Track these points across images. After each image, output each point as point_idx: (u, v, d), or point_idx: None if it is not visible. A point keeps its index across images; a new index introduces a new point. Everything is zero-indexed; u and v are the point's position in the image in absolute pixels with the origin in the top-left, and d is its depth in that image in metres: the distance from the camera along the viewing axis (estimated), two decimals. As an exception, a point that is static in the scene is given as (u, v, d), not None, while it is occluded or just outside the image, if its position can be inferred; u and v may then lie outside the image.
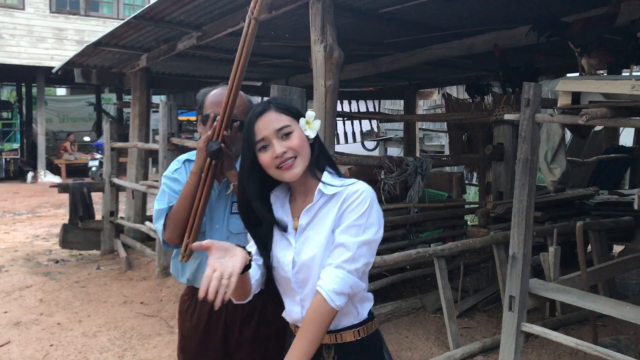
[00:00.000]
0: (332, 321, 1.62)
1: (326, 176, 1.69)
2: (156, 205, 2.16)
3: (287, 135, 1.65)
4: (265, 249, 1.73)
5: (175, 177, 2.19)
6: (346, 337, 1.68)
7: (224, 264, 1.47)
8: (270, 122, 1.65)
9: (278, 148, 1.63)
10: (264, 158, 1.65)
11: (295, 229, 1.70)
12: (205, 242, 1.50)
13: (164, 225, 2.11)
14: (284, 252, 1.70)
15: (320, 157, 1.72)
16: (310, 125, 1.69)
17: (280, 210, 1.74)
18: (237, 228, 2.14)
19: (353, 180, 1.67)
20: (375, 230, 1.61)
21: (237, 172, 2.03)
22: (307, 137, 1.68)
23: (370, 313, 1.72)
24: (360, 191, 1.62)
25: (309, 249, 1.65)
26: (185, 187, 2.08)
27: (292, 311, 1.73)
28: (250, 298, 1.76)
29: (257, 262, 1.74)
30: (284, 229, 1.71)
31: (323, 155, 1.73)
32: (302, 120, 1.68)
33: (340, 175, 1.73)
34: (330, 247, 1.62)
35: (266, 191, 1.75)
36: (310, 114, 1.70)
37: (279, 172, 1.65)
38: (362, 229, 1.59)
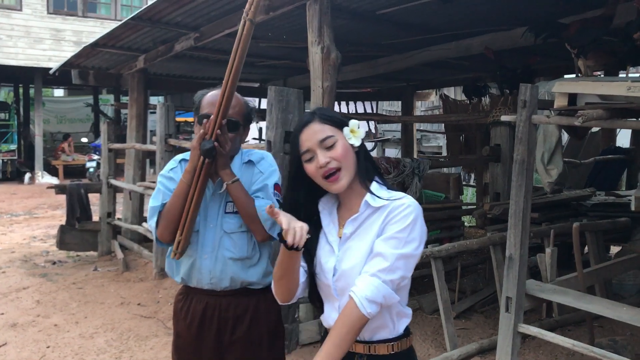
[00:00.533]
0: (367, 332, 1.65)
1: (374, 187, 1.69)
2: (151, 203, 2.18)
3: (331, 146, 1.65)
4: (310, 254, 1.75)
5: (170, 175, 2.21)
6: (380, 349, 1.67)
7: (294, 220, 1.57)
8: (314, 133, 1.66)
9: (321, 159, 1.64)
10: (310, 169, 1.67)
11: (340, 237, 1.71)
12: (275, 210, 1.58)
13: (157, 222, 2.13)
14: (326, 258, 1.71)
15: (367, 166, 1.72)
16: (355, 133, 1.69)
17: (328, 217, 1.76)
18: (231, 227, 2.15)
19: (401, 194, 1.67)
20: (415, 246, 1.61)
21: (231, 172, 2.05)
22: (351, 145, 1.68)
23: (406, 329, 1.71)
24: (406, 205, 1.62)
25: (350, 259, 1.66)
26: (178, 185, 2.10)
27: (330, 317, 1.73)
28: (294, 300, 1.78)
29: (304, 267, 1.76)
30: (328, 236, 1.73)
31: (370, 164, 1.73)
32: (346, 129, 1.68)
33: (388, 186, 1.73)
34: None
35: (315, 198, 1.77)
36: (354, 122, 1.69)
37: (325, 183, 1.67)
38: (403, 242, 1.59)
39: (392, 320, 1.68)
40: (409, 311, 1.73)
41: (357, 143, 1.68)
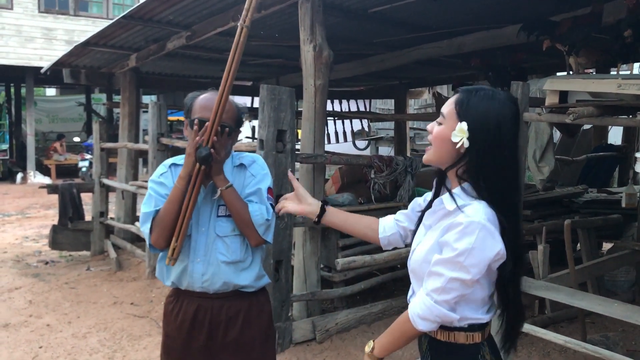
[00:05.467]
0: None
1: (458, 190, 1.61)
2: (143, 208, 2.16)
3: (439, 124, 1.63)
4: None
5: (161, 181, 2.20)
6: (437, 334, 1.66)
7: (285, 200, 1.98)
8: (447, 102, 1.64)
9: (430, 126, 1.66)
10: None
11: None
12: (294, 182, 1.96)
13: (151, 228, 2.12)
14: (418, 237, 1.73)
15: (467, 169, 1.59)
16: (460, 135, 1.57)
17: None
18: (224, 231, 2.15)
19: (476, 208, 1.53)
20: (474, 272, 1.52)
21: (225, 178, 2.06)
22: (454, 141, 1.58)
23: (471, 325, 1.63)
24: (467, 224, 1.51)
25: (420, 250, 1.65)
26: (173, 191, 2.09)
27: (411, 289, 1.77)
28: (381, 243, 1.94)
29: (400, 223, 1.91)
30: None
31: (472, 168, 1.58)
32: (459, 125, 1.57)
33: (478, 197, 1.58)
34: (429, 258, 1.59)
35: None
36: (464, 125, 1.56)
37: None
38: (459, 267, 1.52)
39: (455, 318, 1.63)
40: (481, 316, 1.64)
41: (455, 140, 1.57)
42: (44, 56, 14.58)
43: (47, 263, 7.06)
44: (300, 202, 1.98)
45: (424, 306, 1.57)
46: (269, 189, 2.21)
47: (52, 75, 9.39)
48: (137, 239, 7.26)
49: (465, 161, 1.58)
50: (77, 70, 8.50)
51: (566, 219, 4.37)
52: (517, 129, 1.63)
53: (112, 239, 7.52)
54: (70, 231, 7.37)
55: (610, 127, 7.82)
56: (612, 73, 5.11)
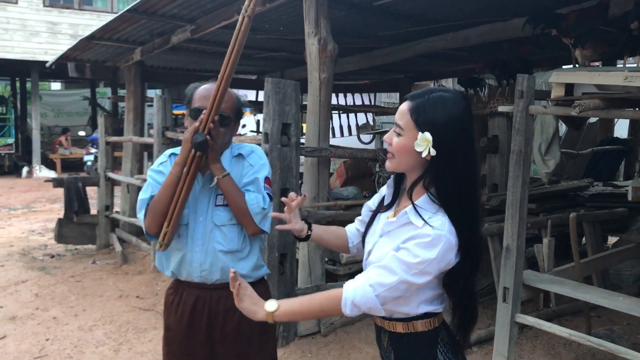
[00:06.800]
0: (387, 311, 1.65)
1: (423, 200, 1.61)
2: (140, 195, 2.20)
3: (398, 135, 1.62)
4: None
5: (160, 169, 2.23)
6: (397, 327, 1.69)
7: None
8: (399, 112, 1.63)
9: (387, 137, 1.65)
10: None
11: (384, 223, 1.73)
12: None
13: (145, 214, 2.14)
14: (369, 238, 1.75)
15: (436, 176, 1.59)
16: (424, 143, 1.56)
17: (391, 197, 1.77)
18: (221, 220, 2.16)
19: (441, 220, 1.55)
20: (425, 280, 1.56)
21: (222, 166, 2.07)
22: (418, 150, 1.57)
23: (427, 313, 1.67)
24: (435, 237, 1.53)
25: (377, 253, 1.67)
26: (167, 177, 2.11)
27: None
28: (350, 252, 2.00)
29: (362, 222, 1.92)
30: (381, 217, 1.76)
31: (440, 174, 1.58)
32: (421, 135, 1.56)
33: (442, 203, 1.59)
34: None
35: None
36: (428, 136, 1.55)
37: None
38: (415, 271, 1.53)
39: (409, 309, 1.67)
40: (436, 307, 1.67)
41: (419, 149, 1.56)
42: (48, 50, 14.60)
43: (53, 256, 7.10)
44: (290, 220, 1.98)
45: (364, 295, 1.56)
46: (267, 178, 2.22)
47: (57, 70, 9.40)
48: (142, 233, 7.22)
49: (432, 168, 1.59)
50: (82, 64, 8.51)
51: (571, 212, 4.35)
52: (472, 122, 1.64)
53: (117, 232, 7.55)
54: (75, 225, 7.40)
55: (616, 120, 7.78)
56: (618, 66, 5.09)
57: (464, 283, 1.65)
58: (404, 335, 1.68)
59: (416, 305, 1.64)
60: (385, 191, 1.82)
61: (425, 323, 1.67)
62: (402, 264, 1.54)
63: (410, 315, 1.66)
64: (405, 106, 1.61)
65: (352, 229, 1.99)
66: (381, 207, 1.78)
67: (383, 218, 1.74)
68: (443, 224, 1.55)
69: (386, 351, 1.75)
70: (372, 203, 1.89)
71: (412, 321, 1.67)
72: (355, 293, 1.57)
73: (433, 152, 1.55)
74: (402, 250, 1.56)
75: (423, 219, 1.57)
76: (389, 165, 1.67)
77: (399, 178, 1.74)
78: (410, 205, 1.61)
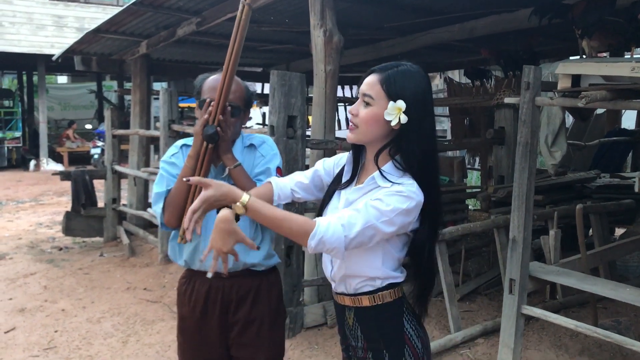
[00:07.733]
0: (352, 288, 1.74)
1: (389, 166, 1.68)
2: (155, 188, 2.20)
3: (366, 105, 1.68)
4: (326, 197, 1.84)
5: (172, 161, 2.23)
6: (363, 301, 1.74)
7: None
8: (367, 84, 1.69)
9: (353, 109, 1.71)
10: (350, 108, 1.74)
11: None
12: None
13: (163, 208, 2.15)
14: (332, 211, 1.77)
15: (402, 144, 1.66)
16: (395, 112, 1.63)
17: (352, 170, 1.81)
18: None
19: (411, 181, 1.64)
20: (392, 230, 1.61)
21: (233, 157, 2.07)
22: (386, 120, 1.65)
23: (391, 284, 1.74)
24: (408, 193, 1.61)
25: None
26: (182, 170, 2.13)
27: (326, 268, 1.83)
28: (277, 203, 1.87)
29: (300, 185, 1.90)
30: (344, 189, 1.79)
31: (407, 142, 1.65)
32: (392, 103, 1.63)
33: (408, 170, 1.66)
34: None
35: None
36: (400, 103, 1.62)
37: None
38: (384, 218, 1.59)
39: (373, 280, 1.73)
40: (397, 274, 1.74)
41: (388, 118, 1.64)
42: (55, 44, 14.64)
43: (61, 249, 7.15)
44: None
45: (334, 234, 1.58)
46: (278, 168, 2.23)
47: (63, 63, 9.42)
48: (149, 225, 7.31)
49: (399, 137, 1.67)
50: (88, 58, 8.52)
51: (578, 204, 4.34)
52: (432, 94, 1.77)
53: (124, 225, 7.58)
54: (83, 218, 7.44)
55: (623, 111, 7.74)
56: (626, 56, 5.05)
57: (429, 247, 1.74)
58: (371, 308, 1.73)
59: (379, 267, 1.70)
60: (342, 161, 1.86)
61: (391, 293, 1.73)
62: (375, 209, 1.59)
63: (376, 287, 1.72)
64: (374, 77, 1.68)
65: (285, 188, 1.90)
66: (339, 184, 1.81)
67: (344, 194, 1.77)
68: (413, 184, 1.63)
69: (351, 329, 1.78)
70: (326, 165, 1.91)
71: (378, 292, 1.73)
72: (327, 230, 1.58)
73: (404, 120, 1.62)
74: (376, 200, 1.61)
75: (391, 182, 1.64)
76: (351, 136, 1.73)
77: (357, 154, 1.80)
78: (377, 171, 1.67)
